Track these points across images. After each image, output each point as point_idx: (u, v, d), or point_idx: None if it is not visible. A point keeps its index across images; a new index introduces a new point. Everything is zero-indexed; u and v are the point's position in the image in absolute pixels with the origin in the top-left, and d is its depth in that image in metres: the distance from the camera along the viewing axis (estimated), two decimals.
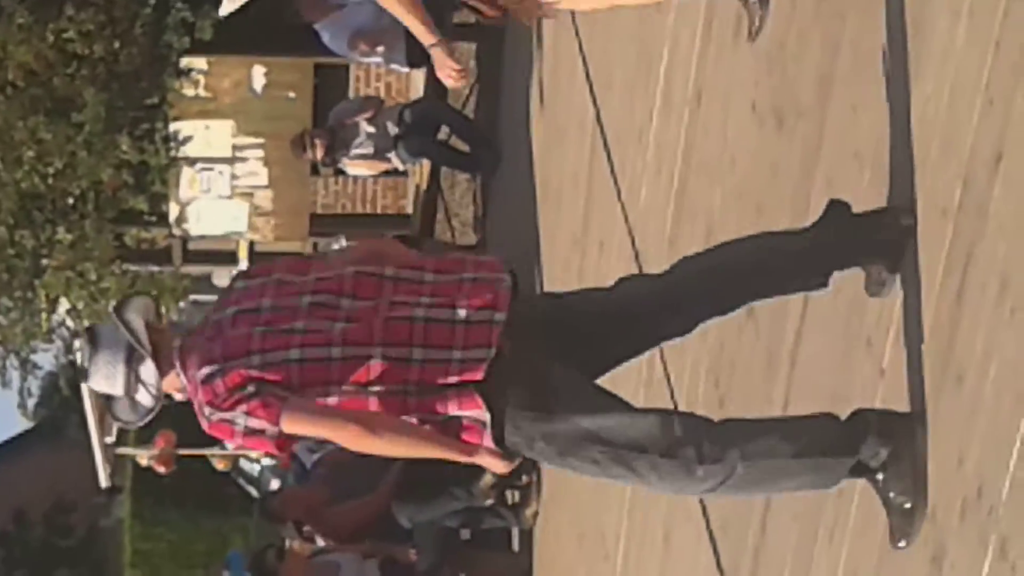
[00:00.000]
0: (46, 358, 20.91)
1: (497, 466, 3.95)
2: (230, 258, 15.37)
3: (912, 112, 4.05)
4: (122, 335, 4.06)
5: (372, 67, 14.31)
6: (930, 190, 3.92)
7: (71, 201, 13.77)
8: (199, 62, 14.16)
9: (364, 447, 3.89)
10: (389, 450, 3.92)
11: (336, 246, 11.96)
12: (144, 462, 15.24)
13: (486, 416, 3.84)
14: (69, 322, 14.84)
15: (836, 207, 4.04)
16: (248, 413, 3.89)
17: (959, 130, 3.78)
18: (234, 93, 14.36)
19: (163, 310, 15.21)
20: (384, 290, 3.97)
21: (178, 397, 4.16)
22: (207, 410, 3.96)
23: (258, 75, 14.38)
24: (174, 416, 6.12)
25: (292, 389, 3.89)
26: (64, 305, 14.46)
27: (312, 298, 3.97)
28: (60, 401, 24.41)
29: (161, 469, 15.10)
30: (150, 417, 4.18)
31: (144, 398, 4.13)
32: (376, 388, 3.85)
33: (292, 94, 14.50)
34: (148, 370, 4.08)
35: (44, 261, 13.89)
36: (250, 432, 3.92)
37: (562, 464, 3.92)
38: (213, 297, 16.93)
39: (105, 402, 4.20)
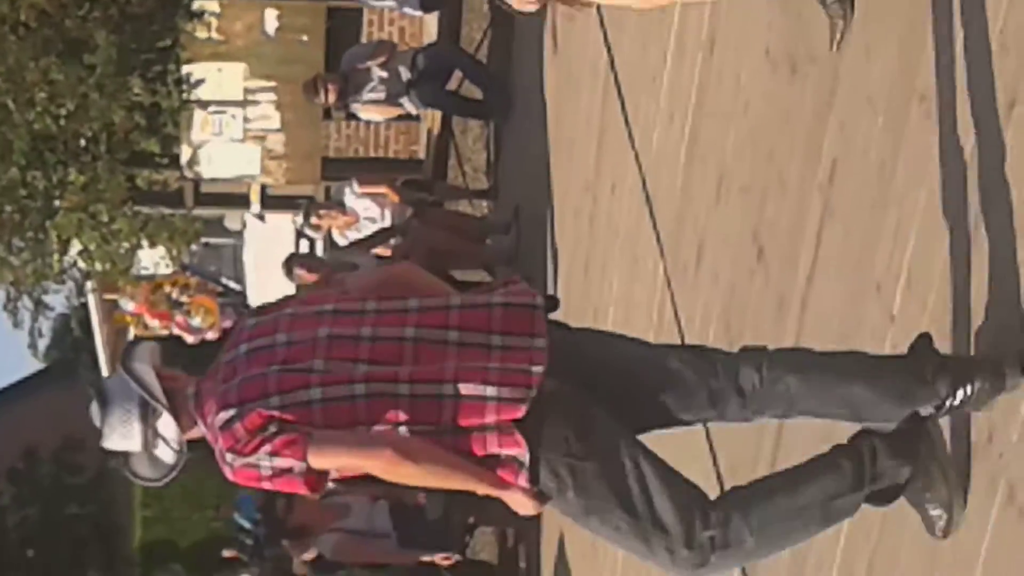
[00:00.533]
0: (58, 299, 20.97)
1: (527, 507, 3.76)
2: (242, 201, 15.39)
3: (926, 57, 4.04)
4: (134, 390, 3.86)
5: (385, 11, 14.24)
6: (943, 135, 3.92)
7: (83, 143, 13.77)
8: (212, 4, 14.13)
9: (400, 475, 3.68)
10: (424, 479, 3.71)
11: (348, 190, 11.92)
12: None
13: (525, 456, 3.67)
14: (81, 263, 14.85)
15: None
16: (272, 453, 3.69)
17: (973, 76, 3.77)
18: (247, 36, 14.32)
19: (175, 252, 15.25)
20: (408, 323, 3.79)
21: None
22: (229, 456, 3.73)
23: (271, 18, 14.34)
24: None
25: (316, 429, 3.69)
26: (76, 246, 14.47)
27: (331, 330, 3.78)
28: (72, 342, 24.43)
29: None
30: (174, 474, 3.96)
31: (165, 454, 3.93)
32: (406, 427, 3.66)
33: (305, 37, 14.46)
34: (167, 424, 3.89)
35: (56, 202, 13.90)
36: (277, 473, 3.71)
37: (585, 522, 3.77)
38: (225, 240, 17.01)
39: (123, 460, 3.95)
